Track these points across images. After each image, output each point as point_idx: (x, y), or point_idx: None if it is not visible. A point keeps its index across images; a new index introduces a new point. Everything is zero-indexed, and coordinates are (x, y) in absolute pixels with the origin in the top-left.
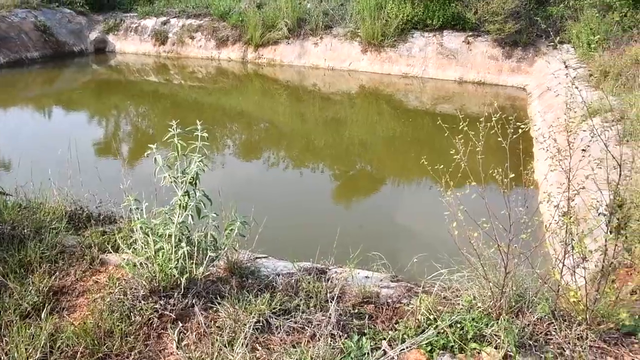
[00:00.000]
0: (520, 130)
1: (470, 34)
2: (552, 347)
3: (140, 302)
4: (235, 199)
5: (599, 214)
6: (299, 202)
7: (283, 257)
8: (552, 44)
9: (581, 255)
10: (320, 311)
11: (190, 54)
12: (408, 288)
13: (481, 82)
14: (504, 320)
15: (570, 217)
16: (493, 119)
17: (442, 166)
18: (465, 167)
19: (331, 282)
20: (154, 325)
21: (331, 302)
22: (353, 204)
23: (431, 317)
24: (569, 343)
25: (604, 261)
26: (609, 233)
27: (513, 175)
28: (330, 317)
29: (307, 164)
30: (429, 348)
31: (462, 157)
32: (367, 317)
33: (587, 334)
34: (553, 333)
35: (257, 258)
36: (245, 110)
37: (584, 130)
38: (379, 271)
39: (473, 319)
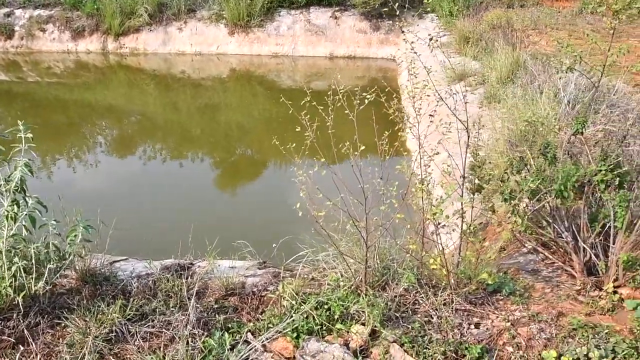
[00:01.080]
0: (366, 101)
1: (337, 8)
2: (419, 316)
3: None
4: (96, 201)
5: (460, 177)
6: (171, 196)
7: (146, 258)
8: (418, 14)
9: (435, 222)
10: (180, 311)
11: (43, 47)
12: (275, 274)
13: (352, 56)
14: (370, 295)
15: (425, 183)
16: (359, 94)
17: (294, 144)
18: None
19: (193, 277)
20: None
21: (189, 300)
22: (231, 192)
23: (297, 301)
24: (436, 310)
25: (461, 225)
26: (462, 196)
27: (364, 147)
28: (189, 316)
29: (186, 154)
30: (294, 334)
31: (311, 134)
32: (231, 309)
33: (452, 299)
34: (421, 302)
35: (114, 262)
36: (113, 104)
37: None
38: (245, 260)
39: (339, 298)
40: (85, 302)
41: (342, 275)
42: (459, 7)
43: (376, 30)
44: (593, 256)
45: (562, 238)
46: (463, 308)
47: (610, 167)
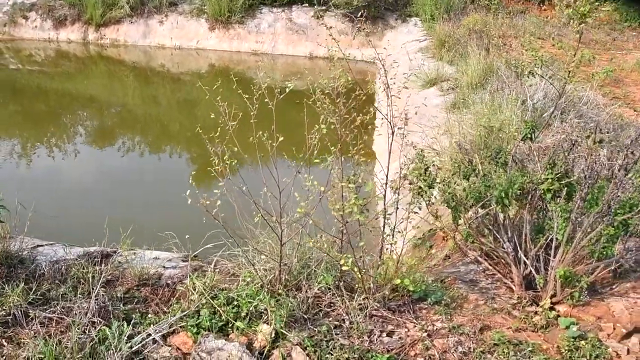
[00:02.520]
0: (287, 90)
1: (320, 8)
2: (330, 319)
3: None
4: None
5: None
6: (124, 186)
7: (74, 244)
8: (401, 17)
9: (342, 222)
10: (85, 298)
11: (25, 35)
12: (197, 267)
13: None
14: (282, 294)
15: (337, 186)
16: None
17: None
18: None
19: (110, 265)
20: None
21: (94, 288)
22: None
23: (207, 295)
24: (349, 314)
25: (383, 226)
26: (384, 196)
27: (282, 138)
28: (90, 304)
29: (164, 148)
30: (194, 329)
31: (229, 123)
32: (140, 300)
33: (368, 304)
34: (336, 305)
35: (38, 246)
36: (93, 95)
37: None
38: (171, 251)
39: (247, 295)
40: None
41: (257, 272)
42: (439, 11)
43: (358, 32)
44: (532, 269)
45: (503, 249)
46: (379, 314)
47: (558, 175)
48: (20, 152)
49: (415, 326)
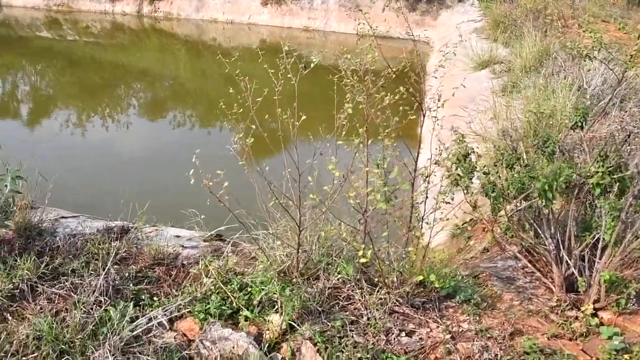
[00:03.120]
0: (311, 65)
1: None
2: (347, 313)
3: None
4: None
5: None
6: (159, 161)
7: (100, 217)
8: None
9: (361, 211)
10: (96, 275)
11: (83, 7)
12: (217, 248)
13: (384, 36)
14: (298, 282)
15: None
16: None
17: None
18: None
19: (125, 242)
20: None
21: (106, 265)
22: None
23: (220, 280)
24: (368, 309)
25: (410, 218)
26: (412, 184)
27: (304, 117)
28: (99, 282)
29: (214, 123)
30: (201, 316)
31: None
32: (153, 280)
33: (388, 299)
34: (356, 298)
35: (62, 217)
36: (145, 67)
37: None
38: (193, 230)
39: (262, 282)
40: (10, 254)
41: (273, 258)
42: None
43: (412, 10)
44: (575, 270)
45: (544, 245)
46: (401, 311)
47: (609, 169)
48: (76, 122)
49: (438, 326)
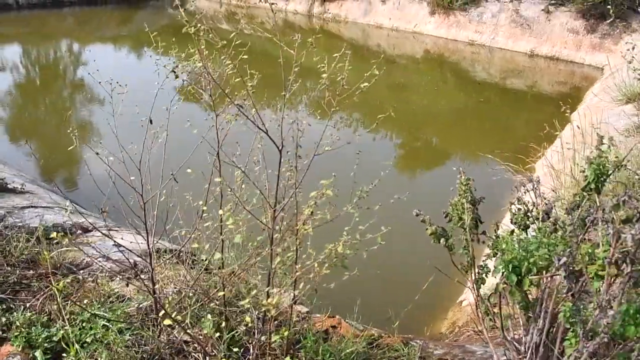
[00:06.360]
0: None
1: (552, 2)
2: None
3: None
4: None
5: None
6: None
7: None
8: None
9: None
10: None
11: (259, 3)
12: None
13: (555, 57)
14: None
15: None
16: None
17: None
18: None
19: None
20: None
21: None
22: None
23: None
24: None
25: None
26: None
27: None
28: None
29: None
30: None
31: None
32: None
33: None
34: None
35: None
36: (309, 66)
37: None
38: None
39: None
40: None
41: None
42: None
43: (590, 32)
44: None
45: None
46: None
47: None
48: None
49: None
